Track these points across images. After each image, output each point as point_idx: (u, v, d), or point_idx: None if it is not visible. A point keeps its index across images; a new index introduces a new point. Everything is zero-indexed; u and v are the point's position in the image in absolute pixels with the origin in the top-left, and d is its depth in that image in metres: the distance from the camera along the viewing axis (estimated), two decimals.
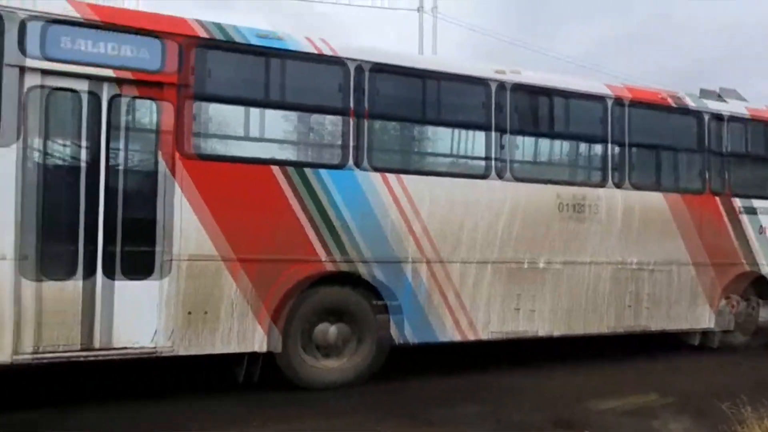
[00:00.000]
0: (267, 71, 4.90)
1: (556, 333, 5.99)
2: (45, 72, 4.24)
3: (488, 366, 5.96)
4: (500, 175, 5.71)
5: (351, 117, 5.13)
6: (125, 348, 4.52)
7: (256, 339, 4.82)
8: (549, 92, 6.05)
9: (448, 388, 5.28)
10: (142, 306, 4.53)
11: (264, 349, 4.86)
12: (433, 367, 5.78)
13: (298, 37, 5.05)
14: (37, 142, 4.29)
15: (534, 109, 6.08)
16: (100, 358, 4.49)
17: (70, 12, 4.30)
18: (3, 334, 4.15)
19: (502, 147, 5.71)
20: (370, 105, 5.19)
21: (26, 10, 4.17)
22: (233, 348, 4.78)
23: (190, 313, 4.62)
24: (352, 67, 5.12)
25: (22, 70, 4.15)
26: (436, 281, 5.48)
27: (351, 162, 5.14)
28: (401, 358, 5.48)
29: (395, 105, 5.53)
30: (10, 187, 4.13)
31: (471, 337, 5.62)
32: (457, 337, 5.58)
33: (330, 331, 5.16)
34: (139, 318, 4.53)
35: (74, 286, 4.36)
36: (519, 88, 5.82)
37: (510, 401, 4.95)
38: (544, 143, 6.45)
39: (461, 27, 26.14)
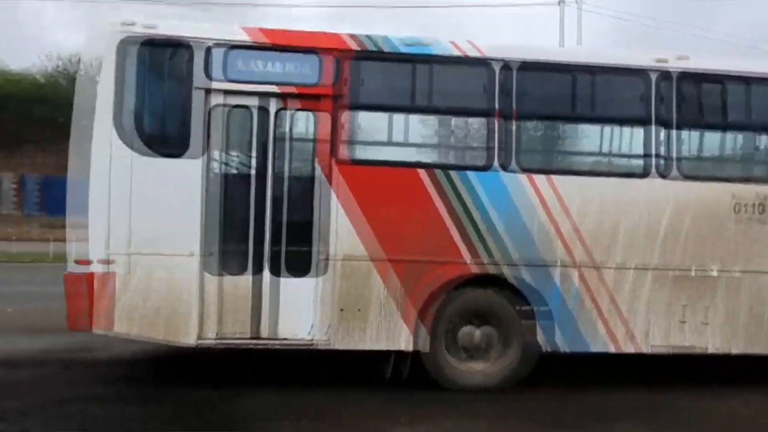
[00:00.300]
0: (414, 77, 5.04)
1: (734, 351, 5.29)
2: (225, 92, 4.83)
3: (646, 381, 5.48)
4: (663, 174, 5.20)
5: (496, 118, 5.06)
6: (287, 339, 4.97)
7: (402, 337, 4.98)
8: (726, 79, 5.37)
9: (604, 402, 4.98)
10: (302, 301, 4.94)
11: (410, 348, 5.00)
12: (579, 379, 5.48)
13: (443, 41, 5.12)
14: (217, 154, 4.92)
15: (706, 99, 5.44)
16: (267, 346, 4.98)
17: (245, 37, 4.86)
18: (190, 321, 4.81)
19: (665, 143, 5.20)
20: (517, 104, 5.07)
21: (211, 38, 4.79)
22: (382, 345, 5.00)
23: (342, 309, 4.93)
24: (497, 67, 5.06)
25: (208, 91, 4.78)
26: (588, 287, 5.17)
27: (496, 163, 5.07)
28: (550, 366, 5.27)
29: (543, 103, 5.33)
30: (198, 194, 4.78)
31: (628, 349, 5.21)
32: (611, 348, 5.21)
33: (475, 333, 5.14)
34: (299, 312, 4.94)
35: (246, 281, 4.90)
36: (687, 76, 5.25)
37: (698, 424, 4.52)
38: (716, 137, 5.73)
39: (603, 16, 24.31)
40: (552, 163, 5.64)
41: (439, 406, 4.74)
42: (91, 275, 4.72)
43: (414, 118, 5.31)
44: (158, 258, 4.76)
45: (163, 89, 4.98)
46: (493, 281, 5.13)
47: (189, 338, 4.81)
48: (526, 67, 5.12)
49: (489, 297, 5.16)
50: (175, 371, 5.56)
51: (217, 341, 4.89)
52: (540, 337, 5.13)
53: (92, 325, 4.71)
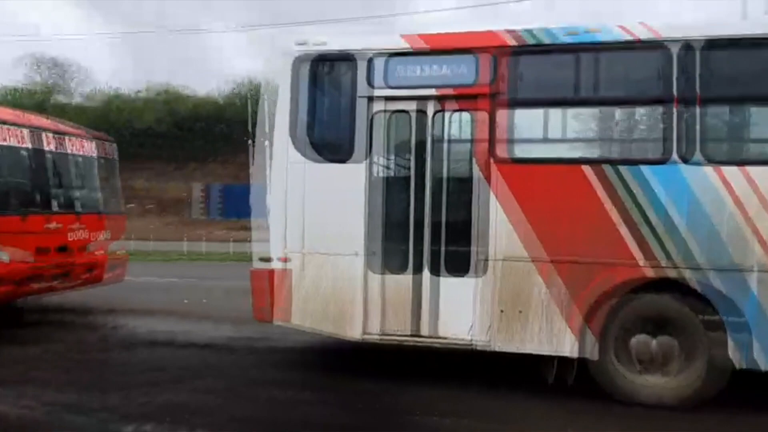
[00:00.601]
0: (578, 68, 4.77)
1: None
2: (386, 98, 5.06)
3: None
4: None
5: (675, 105, 4.56)
6: (447, 338, 5.02)
7: (566, 343, 4.73)
8: None
9: None
10: (461, 301, 4.95)
11: (575, 354, 4.73)
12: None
13: (611, 26, 4.75)
14: (379, 158, 5.16)
15: None
16: (427, 344, 5.08)
17: (404, 44, 5.03)
18: (356, 317, 5.10)
19: None
20: (702, 88, 4.51)
21: (372, 49, 5.05)
22: (544, 349, 4.80)
23: (502, 311, 4.84)
24: (676, 48, 4.55)
25: (370, 99, 5.05)
26: None
27: (675, 155, 4.56)
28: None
29: (733, 85, 4.67)
30: (361, 197, 5.06)
31: None
32: None
33: (651, 343, 4.69)
34: (458, 312, 4.96)
35: (406, 280, 5.07)
36: None
37: None
38: None
39: None
40: (746, 152, 4.92)
41: (609, 418, 4.42)
42: (271, 272, 5.26)
43: (577, 112, 5.03)
44: (327, 257, 5.14)
45: (331, 100, 5.38)
46: (672, 286, 4.62)
47: (355, 333, 5.11)
48: (711, 45, 4.52)
49: (667, 303, 4.67)
50: (339, 362, 5.95)
51: (381, 337, 5.13)
52: (732, 352, 4.49)
53: (273, 318, 5.24)
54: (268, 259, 5.29)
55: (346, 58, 5.10)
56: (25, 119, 7.24)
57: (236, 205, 26.51)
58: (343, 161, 5.10)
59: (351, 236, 5.05)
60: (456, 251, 5.00)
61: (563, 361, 4.82)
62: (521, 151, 5.00)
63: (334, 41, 5.20)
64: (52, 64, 35.36)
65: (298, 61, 5.13)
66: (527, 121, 5.10)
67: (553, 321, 4.75)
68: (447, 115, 5.04)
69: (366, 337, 5.13)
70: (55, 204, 7.19)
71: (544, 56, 4.89)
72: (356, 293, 5.07)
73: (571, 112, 5.01)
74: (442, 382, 5.19)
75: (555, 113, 5.03)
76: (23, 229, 6.65)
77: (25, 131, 6.88)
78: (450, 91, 4.94)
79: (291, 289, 5.19)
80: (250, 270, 5.40)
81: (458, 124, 5.14)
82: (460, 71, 4.91)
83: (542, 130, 5.12)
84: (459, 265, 4.97)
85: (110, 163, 8.35)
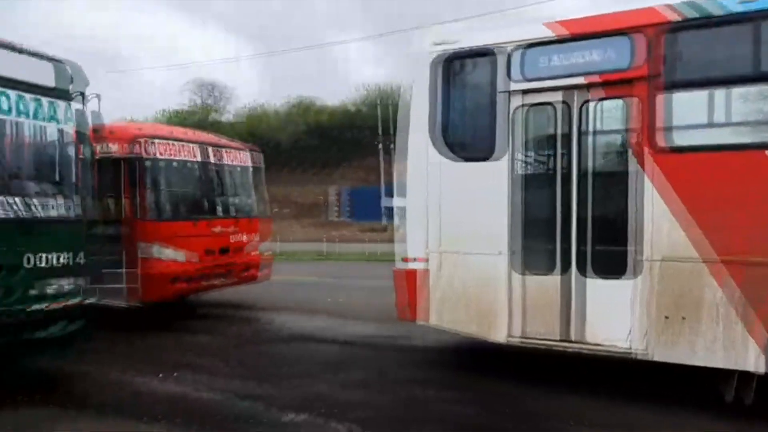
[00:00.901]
0: (758, 40, 4.12)
1: None
2: (527, 92, 4.84)
3: None
4: None
5: None
6: (599, 345, 4.66)
7: (748, 356, 4.13)
8: None
9: None
10: (615, 305, 4.56)
11: (761, 369, 4.10)
12: None
13: None
14: (521, 155, 4.96)
15: None
16: (577, 350, 4.76)
17: (547, 33, 4.76)
18: (499, 318, 4.95)
19: None
20: None
21: (512, 41, 4.86)
22: (718, 362, 4.24)
23: (667, 317, 4.36)
24: None
25: (511, 94, 4.87)
26: None
27: None
28: None
29: None
30: (504, 195, 4.89)
31: None
32: None
33: None
34: (612, 317, 4.58)
35: (553, 281, 4.79)
36: None
37: None
38: None
39: None
40: None
41: None
42: (410, 272, 5.31)
43: (754, 91, 4.36)
44: (466, 256, 5.05)
45: (470, 98, 5.27)
46: None
47: (499, 335, 4.96)
48: None
49: None
50: (477, 362, 5.82)
51: (525, 340, 4.92)
52: None
53: (416, 317, 5.28)
54: (407, 259, 5.35)
55: (485, 53, 4.96)
56: (194, 136, 8.30)
57: (364, 208, 27.55)
58: (484, 159, 4.97)
59: (493, 235, 4.92)
60: (608, 251, 4.63)
61: (742, 376, 4.22)
62: (683, 139, 4.48)
63: (467, 37, 5.10)
64: (211, 87, 40.94)
65: (435, 61, 5.11)
66: (691, 105, 4.56)
67: (729, 330, 4.17)
68: (596, 104, 4.68)
69: (511, 340, 4.96)
70: (218, 210, 8.07)
71: (711, 30, 4.31)
72: (499, 294, 4.92)
73: (744, 91, 4.36)
74: (585, 389, 4.86)
75: (723, 94, 4.42)
76: (194, 233, 7.56)
77: (196, 146, 7.85)
78: (600, 78, 4.58)
79: (429, 288, 5.20)
80: (393, 270, 5.50)
81: (609, 113, 4.75)
82: (611, 56, 4.52)
83: (709, 114, 4.54)
84: (611, 266, 4.59)
85: (259, 172, 9.12)
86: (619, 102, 4.61)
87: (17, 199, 4.60)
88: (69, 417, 4.40)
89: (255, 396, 4.84)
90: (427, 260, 5.23)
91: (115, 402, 4.73)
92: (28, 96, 4.76)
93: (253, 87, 58.62)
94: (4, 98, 4.58)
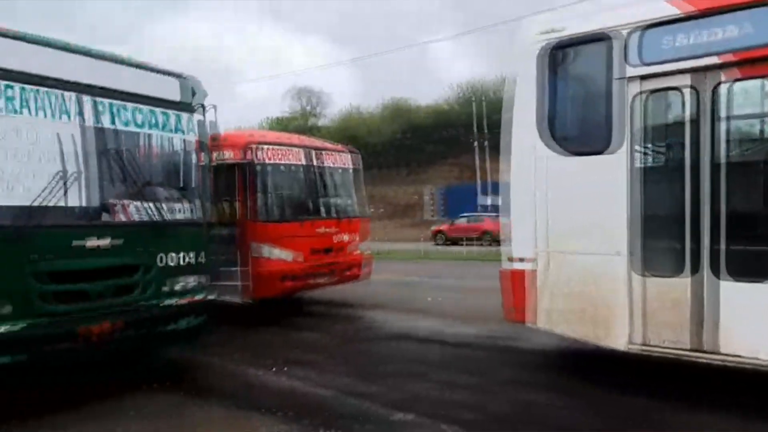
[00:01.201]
0: None
1: None
2: (644, 77, 4.43)
3: None
4: None
5: None
6: (740, 357, 4.15)
7: None
8: None
9: None
10: (759, 312, 4.04)
11: None
12: None
13: None
14: (642, 146, 4.55)
15: None
16: (711, 362, 4.30)
17: (672, 10, 4.31)
18: (618, 324, 4.58)
19: None
20: None
21: (629, 23, 4.47)
22: None
23: None
24: None
25: (629, 80, 4.48)
26: None
27: None
28: None
29: None
30: (623, 191, 4.52)
31: None
32: None
33: None
34: (756, 325, 4.07)
35: (681, 284, 4.35)
36: None
37: None
38: None
39: None
40: None
41: None
42: (518, 272, 5.08)
43: None
44: (579, 256, 4.74)
45: (581, 87, 4.95)
46: None
47: (618, 342, 4.60)
48: None
49: None
50: (587, 366, 5.44)
51: (647, 348, 4.52)
52: None
53: (525, 319, 5.06)
54: (513, 259, 5.14)
55: (597, 38, 4.61)
56: (298, 140, 8.66)
57: (460, 207, 27.20)
58: (598, 152, 4.62)
59: (610, 234, 4.56)
60: (749, 251, 4.11)
61: None
62: None
63: (576, 23, 4.76)
64: (309, 93, 43.19)
65: (542, 51, 4.84)
66: None
67: None
68: (732, 85, 4.16)
69: (631, 347, 4.58)
70: (322, 211, 8.33)
71: None
72: (618, 298, 4.56)
73: None
74: (710, 403, 4.35)
75: None
76: (300, 233, 7.86)
77: (300, 150, 8.17)
78: (737, 57, 4.06)
79: (537, 290, 4.95)
80: (500, 270, 5.31)
81: (747, 96, 4.21)
82: (751, 30, 3.99)
83: None
84: (750, 267, 4.08)
85: (358, 173, 9.29)
86: (760, 81, 4.07)
87: (150, 205, 5.04)
88: (196, 405, 4.72)
89: (361, 394, 4.89)
90: (534, 260, 4.98)
91: (232, 392, 5.01)
92: (157, 110, 5.20)
93: (349, 90, 60.39)
94: (138, 113, 5.04)
